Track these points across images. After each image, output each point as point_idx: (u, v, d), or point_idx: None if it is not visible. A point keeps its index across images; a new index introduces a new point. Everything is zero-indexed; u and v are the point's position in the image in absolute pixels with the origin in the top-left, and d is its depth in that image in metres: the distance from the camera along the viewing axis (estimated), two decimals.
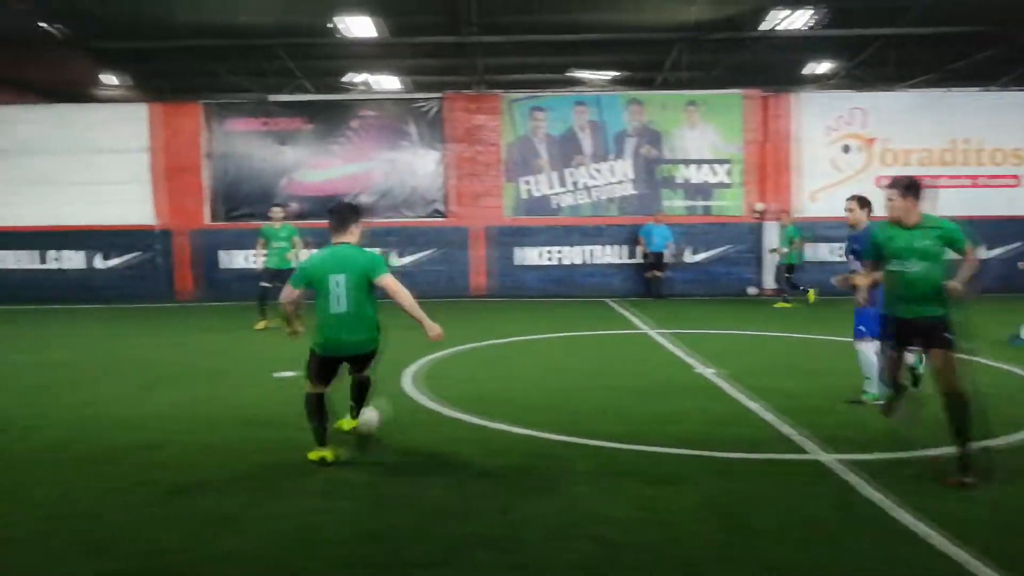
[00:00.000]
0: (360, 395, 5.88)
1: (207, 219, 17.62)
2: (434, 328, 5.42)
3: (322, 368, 5.56)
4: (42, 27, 16.12)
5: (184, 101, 18.22)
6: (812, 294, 15.18)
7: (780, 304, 15.34)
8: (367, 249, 5.62)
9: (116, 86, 21.66)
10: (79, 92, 21.09)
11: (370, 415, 5.85)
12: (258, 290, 12.48)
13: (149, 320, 14.41)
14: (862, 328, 6.96)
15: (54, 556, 4.04)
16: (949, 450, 5.20)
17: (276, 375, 8.65)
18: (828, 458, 5.49)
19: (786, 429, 6.25)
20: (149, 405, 7.41)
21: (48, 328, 13.46)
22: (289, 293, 5.63)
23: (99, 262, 17.72)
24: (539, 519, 4.44)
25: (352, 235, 5.59)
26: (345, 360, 5.65)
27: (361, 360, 5.71)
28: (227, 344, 11.25)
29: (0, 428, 6.58)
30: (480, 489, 4.96)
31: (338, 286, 5.36)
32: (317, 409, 5.49)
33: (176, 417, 6.92)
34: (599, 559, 3.93)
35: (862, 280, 6.28)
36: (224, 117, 17.63)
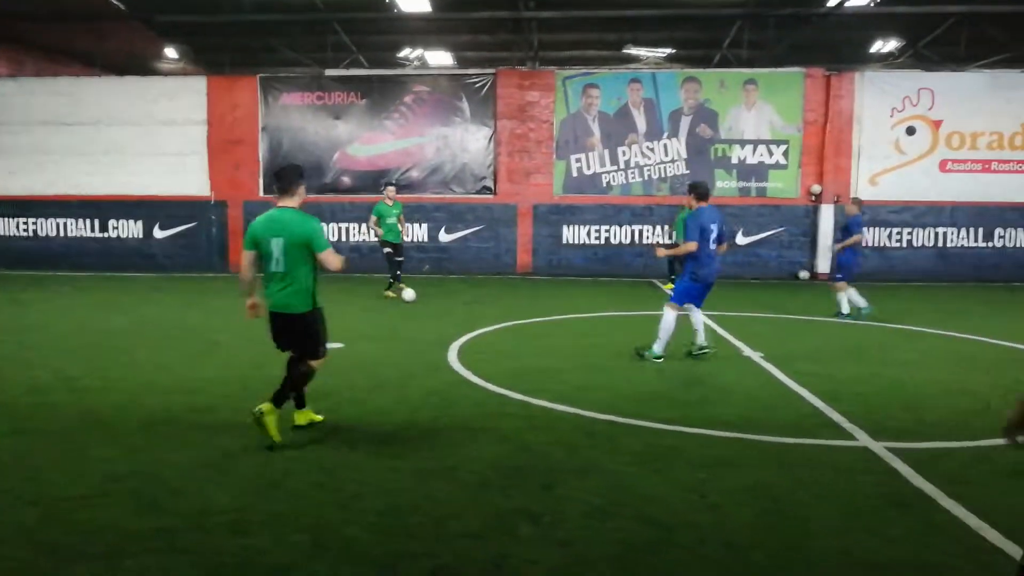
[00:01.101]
0: (294, 381, 5.55)
1: (261, 192, 17.93)
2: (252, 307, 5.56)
3: (272, 330, 5.55)
4: (108, 1, 16.51)
5: (242, 75, 18.51)
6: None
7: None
8: (309, 215, 5.50)
9: (177, 60, 22.13)
10: (142, 65, 21.61)
11: (408, 293, 6.83)
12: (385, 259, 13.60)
13: (203, 289, 14.78)
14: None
15: (112, 512, 4.20)
16: (1000, 441, 5.02)
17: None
18: (877, 445, 5.37)
19: (835, 415, 6.13)
20: (203, 370, 7.62)
21: (108, 294, 13.90)
22: (243, 257, 5.50)
23: (157, 231, 18.22)
24: (583, 497, 4.44)
25: (294, 199, 5.46)
26: (283, 330, 5.53)
27: (298, 335, 5.54)
28: None
29: (65, 388, 6.85)
30: (524, 464, 4.98)
31: (276, 248, 5.32)
32: (286, 369, 5.59)
33: (228, 382, 7.10)
34: (643, 539, 3.92)
35: None
36: (280, 91, 17.86)
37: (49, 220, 18.35)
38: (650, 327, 10.24)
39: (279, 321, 5.47)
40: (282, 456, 5.11)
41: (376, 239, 13.70)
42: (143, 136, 17.97)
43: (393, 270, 13.43)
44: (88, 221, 18.31)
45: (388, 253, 13.30)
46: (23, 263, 17.89)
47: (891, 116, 17.05)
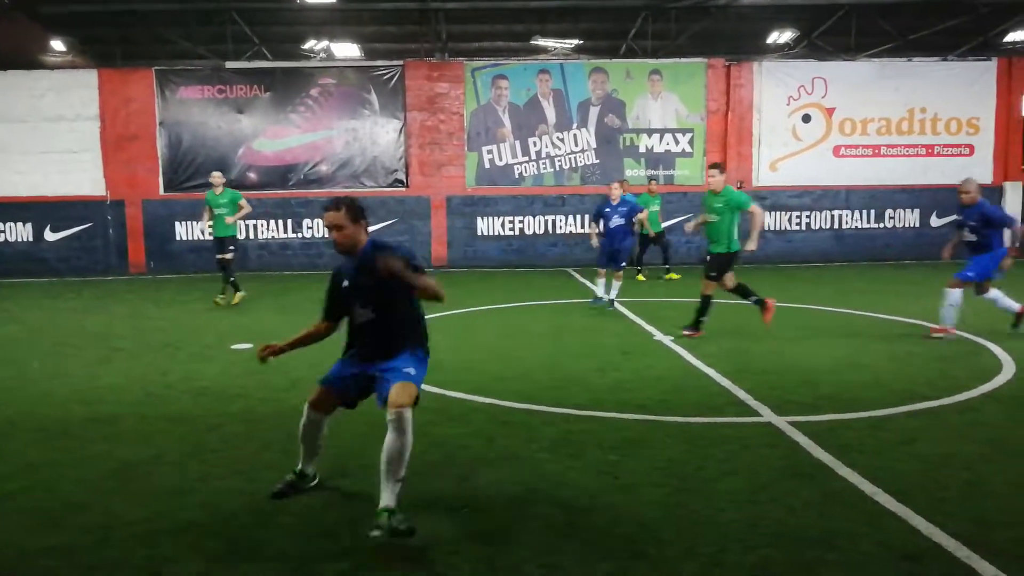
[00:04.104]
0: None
1: (161, 190, 17.23)
2: None
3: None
4: None
5: (135, 67, 17.70)
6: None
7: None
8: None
9: (65, 52, 20.93)
10: (27, 59, 20.32)
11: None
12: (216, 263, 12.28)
13: (101, 293, 14.11)
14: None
15: (9, 530, 3.97)
16: (893, 411, 5.37)
17: (234, 347, 8.56)
18: (780, 420, 5.62)
19: (741, 394, 6.38)
20: (103, 378, 7.28)
21: None
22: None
23: (48, 234, 17.26)
24: (501, 485, 4.48)
25: None
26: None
27: None
28: (182, 317, 11.07)
29: None
30: (440, 456, 4.98)
31: None
32: None
33: (131, 390, 6.81)
34: (560, 523, 3.99)
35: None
36: (178, 84, 17.18)
37: None
38: (566, 316, 10.39)
39: None
40: (195, 461, 4.95)
41: (209, 232, 12.26)
42: (30, 133, 16.96)
43: (224, 272, 11.99)
44: None
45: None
46: None
47: (788, 104, 17.79)
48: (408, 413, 3.87)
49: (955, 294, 8.46)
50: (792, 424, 5.52)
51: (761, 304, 8.86)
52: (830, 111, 17.84)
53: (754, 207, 8.73)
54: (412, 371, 4.09)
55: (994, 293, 8.69)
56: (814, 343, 8.50)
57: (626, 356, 7.98)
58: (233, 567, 3.59)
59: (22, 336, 9.73)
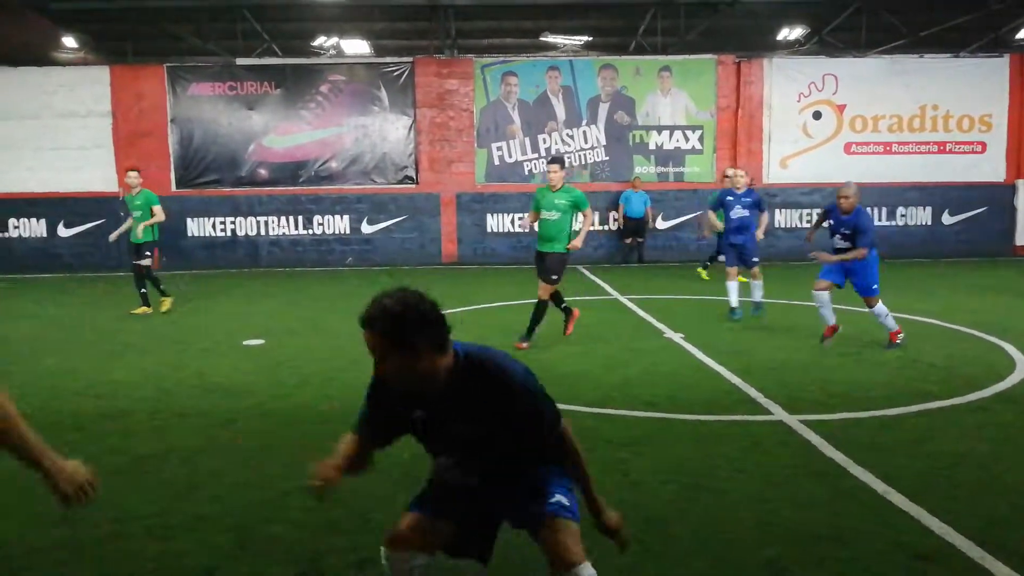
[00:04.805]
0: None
1: (173, 186, 17.29)
2: None
3: None
4: None
5: (147, 64, 17.76)
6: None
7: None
8: None
9: (77, 49, 21.02)
10: (39, 55, 20.42)
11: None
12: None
13: (114, 289, 14.17)
14: None
15: (22, 526, 4.00)
16: (905, 409, 5.35)
17: (245, 343, 8.60)
18: (792, 419, 5.59)
19: (752, 392, 6.35)
20: (116, 373, 7.32)
21: (9, 298, 13.20)
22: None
23: (61, 230, 17.36)
24: None
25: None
26: None
27: None
28: (194, 312, 11.12)
29: None
30: None
31: None
32: None
33: (143, 385, 6.85)
34: None
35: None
36: (189, 81, 17.23)
37: None
38: (583, 311, 10.37)
39: None
40: (206, 456, 4.97)
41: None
42: (42, 130, 17.05)
43: (148, 280, 10.87)
44: None
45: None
46: None
47: (798, 101, 17.69)
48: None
49: (823, 296, 8.14)
50: (804, 422, 5.49)
51: (568, 312, 8.62)
52: (841, 108, 17.74)
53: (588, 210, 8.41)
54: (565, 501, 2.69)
55: (879, 308, 8.05)
56: (818, 340, 8.45)
57: (635, 353, 7.96)
58: (244, 561, 3.60)
59: (36, 331, 9.79)
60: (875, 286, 7.99)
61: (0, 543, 3.79)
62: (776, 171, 17.75)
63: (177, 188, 17.30)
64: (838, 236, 7.97)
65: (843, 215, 7.88)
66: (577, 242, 8.34)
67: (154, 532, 3.89)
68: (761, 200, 10.29)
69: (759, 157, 17.72)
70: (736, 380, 6.74)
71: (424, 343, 2.40)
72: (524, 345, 8.23)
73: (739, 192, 10.16)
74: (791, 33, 19.92)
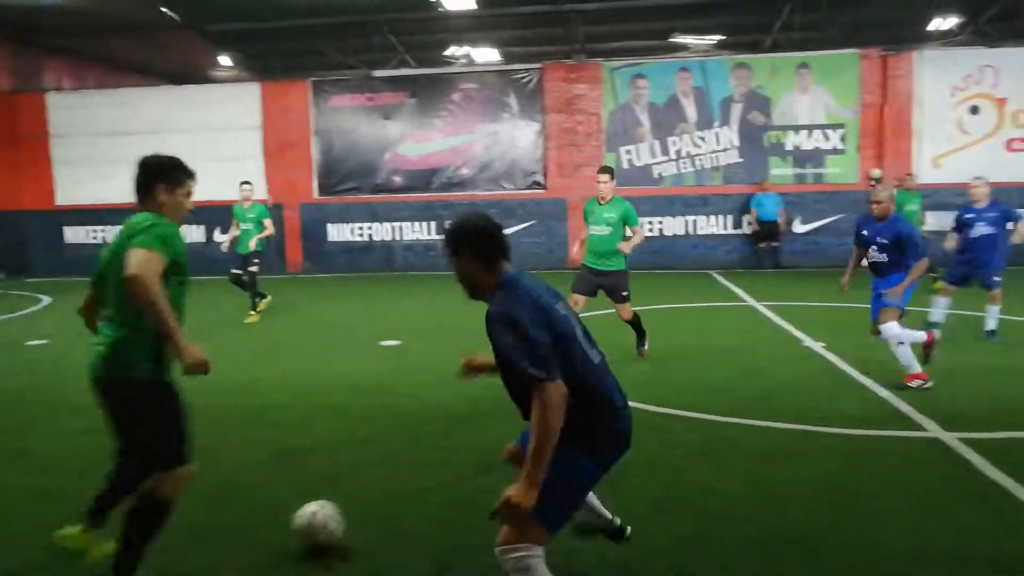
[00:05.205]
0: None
1: (315, 193, 18.24)
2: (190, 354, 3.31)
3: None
4: (163, 12, 16.99)
5: (293, 79, 18.85)
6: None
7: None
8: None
9: (231, 67, 22.66)
10: (197, 74, 22.18)
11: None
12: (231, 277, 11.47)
13: (263, 291, 15.09)
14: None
15: (188, 506, 4.33)
16: None
17: (382, 343, 8.95)
18: (948, 436, 5.21)
19: (903, 406, 5.97)
20: (267, 370, 7.81)
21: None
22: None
23: (218, 235, 18.68)
24: (644, 492, 4.41)
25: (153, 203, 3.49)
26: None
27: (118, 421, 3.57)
28: (335, 313, 11.67)
29: None
30: None
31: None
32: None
33: (291, 382, 7.26)
34: (706, 532, 3.89)
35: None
36: (330, 93, 18.13)
37: (117, 228, 18.89)
38: (709, 319, 10.12)
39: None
40: (348, 450, 5.21)
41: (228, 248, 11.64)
42: (202, 143, 18.40)
43: (249, 289, 11.19)
44: None
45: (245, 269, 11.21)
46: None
47: (952, 96, 16.48)
48: None
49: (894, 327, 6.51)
50: (962, 440, 5.10)
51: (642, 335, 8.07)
52: (1001, 102, 16.37)
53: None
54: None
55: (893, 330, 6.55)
56: (986, 352, 7.83)
57: (774, 362, 7.66)
58: (384, 552, 3.75)
59: (191, 328, 10.54)
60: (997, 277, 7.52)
61: (172, 525, 4.12)
62: (928, 170, 16.60)
63: (319, 196, 18.23)
64: (874, 248, 6.67)
65: (877, 223, 6.69)
66: (626, 247, 7.84)
67: None
68: (1009, 211, 8.79)
69: (907, 156, 16.64)
70: (884, 393, 6.35)
71: (467, 249, 2.87)
72: (645, 349, 8.03)
73: (980, 207, 8.68)
74: (944, 23, 18.62)
